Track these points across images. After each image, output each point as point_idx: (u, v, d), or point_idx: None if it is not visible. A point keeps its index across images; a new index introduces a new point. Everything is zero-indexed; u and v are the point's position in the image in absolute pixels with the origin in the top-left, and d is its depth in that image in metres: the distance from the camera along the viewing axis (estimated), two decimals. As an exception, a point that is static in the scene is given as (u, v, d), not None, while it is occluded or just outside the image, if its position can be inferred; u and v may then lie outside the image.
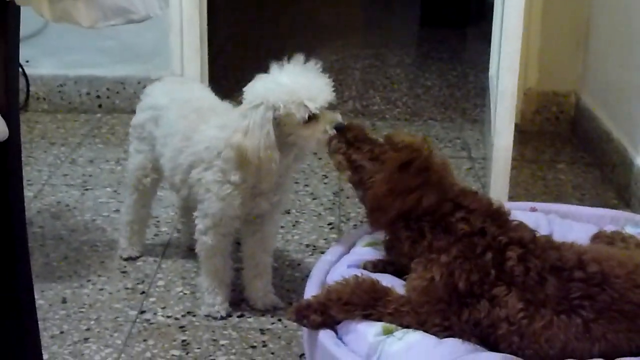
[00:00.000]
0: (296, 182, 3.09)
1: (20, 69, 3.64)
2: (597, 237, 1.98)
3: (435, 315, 1.68)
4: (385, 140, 1.90)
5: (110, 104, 3.84)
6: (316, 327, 1.74)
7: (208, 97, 2.35)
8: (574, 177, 3.27)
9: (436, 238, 1.73)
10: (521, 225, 1.75)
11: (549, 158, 3.47)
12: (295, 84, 2.01)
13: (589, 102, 3.59)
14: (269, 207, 2.20)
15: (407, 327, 1.69)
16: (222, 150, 2.10)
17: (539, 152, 3.53)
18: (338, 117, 2.03)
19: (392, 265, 1.93)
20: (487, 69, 3.81)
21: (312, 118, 2.01)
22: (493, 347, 1.66)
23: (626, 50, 3.21)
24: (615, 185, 3.13)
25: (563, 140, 3.66)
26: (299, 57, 2.06)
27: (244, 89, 2.09)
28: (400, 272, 1.87)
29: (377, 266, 1.95)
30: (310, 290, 1.87)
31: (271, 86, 2.03)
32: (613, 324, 1.58)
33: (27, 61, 3.72)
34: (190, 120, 2.22)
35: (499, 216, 1.75)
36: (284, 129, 2.04)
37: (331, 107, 2.06)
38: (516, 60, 2.65)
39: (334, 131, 1.99)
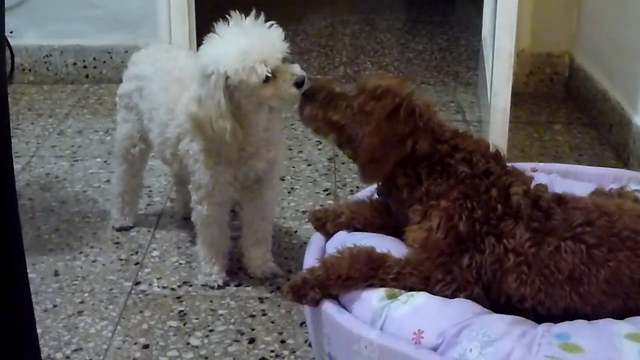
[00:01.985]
0: (290, 149, 3.04)
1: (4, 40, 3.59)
2: (595, 194, 1.95)
3: (438, 271, 1.63)
4: (358, 89, 1.76)
5: (97, 74, 3.77)
6: (316, 303, 1.68)
7: (191, 64, 2.26)
8: (571, 137, 3.22)
9: (435, 183, 1.68)
10: (518, 170, 1.73)
11: (544, 119, 3.42)
12: (245, 45, 1.91)
13: (583, 62, 3.54)
14: (267, 166, 2.13)
15: (412, 289, 1.64)
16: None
17: (534, 114, 3.47)
18: (297, 70, 1.94)
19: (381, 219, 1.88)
20: (477, 32, 3.75)
21: (270, 77, 1.93)
22: (498, 288, 1.63)
23: (619, 7, 3.15)
24: (613, 144, 3.09)
25: (558, 102, 3.61)
26: (248, 14, 1.97)
27: (196, 53, 2.00)
28: (389, 227, 1.83)
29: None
30: (310, 258, 1.80)
31: (220, 52, 1.93)
32: (613, 252, 1.59)
33: (12, 32, 3.64)
34: (172, 92, 2.16)
35: (499, 159, 1.71)
36: (242, 93, 1.96)
37: (290, 59, 1.98)
38: (513, 19, 2.61)
39: (295, 89, 1.90)
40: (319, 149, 3.07)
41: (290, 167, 2.91)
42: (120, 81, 2.39)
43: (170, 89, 2.17)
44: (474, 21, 4.13)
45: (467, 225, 1.62)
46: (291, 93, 1.92)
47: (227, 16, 1.99)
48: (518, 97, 3.52)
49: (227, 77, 1.93)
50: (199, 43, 3.56)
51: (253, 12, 1.97)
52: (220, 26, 1.98)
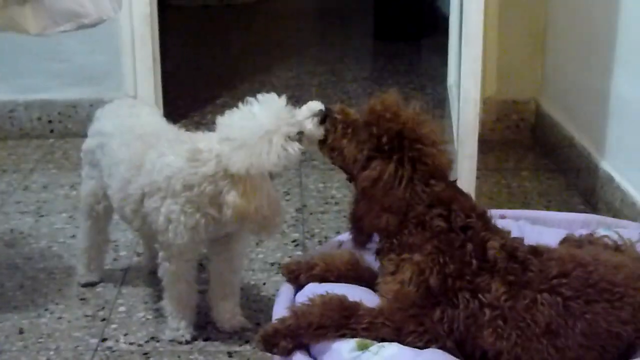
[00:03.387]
0: (258, 200, 3.02)
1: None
2: (565, 241, 1.95)
3: (410, 322, 1.63)
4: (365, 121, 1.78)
5: (62, 129, 3.75)
6: (287, 353, 1.66)
7: (154, 121, 2.26)
8: (539, 184, 3.24)
9: (409, 234, 1.68)
10: (499, 227, 1.73)
11: (512, 166, 3.44)
12: (266, 135, 1.92)
13: (549, 109, 3.57)
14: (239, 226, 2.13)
15: (383, 339, 1.63)
16: (194, 184, 2.02)
17: (501, 161, 3.49)
18: (311, 109, 1.94)
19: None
20: (443, 80, 3.78)
21: (299, 134, 1.94)
22: (472, 343, 1.62)
23: (584, 54, 3.19)
24: (581, 190, 3.10)
25: (525, 148, 3.64)
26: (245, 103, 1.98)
27: (223, 157, 1.97)
28: (363, 280, 1.84)
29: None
30: (279, 310, 1.79)
31: (250, 153, 1.92)
32: (590, 304, 1.60)
33: (-25, 88, 3.63)
34: (134, 148, 2.15)
35: (483, 216, 1.71)
36: (283, 169, 2.00)
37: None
38: (478, 66, 2.63)
39: (322, 125, 1.88)
40: (287, 200, 3.06)
41: (258, 219, 2.89)
42: (86, 136, 2.38)
43: (132, 145, 2.16)
44: (439, 69, 4.16)
45: (438, 280, 1.62)
46: (321, 132, 1.88)
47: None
48: (485, 145, 3.53)
49: (269, 171, 1.96)
50: (165, 97, 3.60)
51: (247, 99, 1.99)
52: (223, 124, 1.99)
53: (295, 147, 1.93)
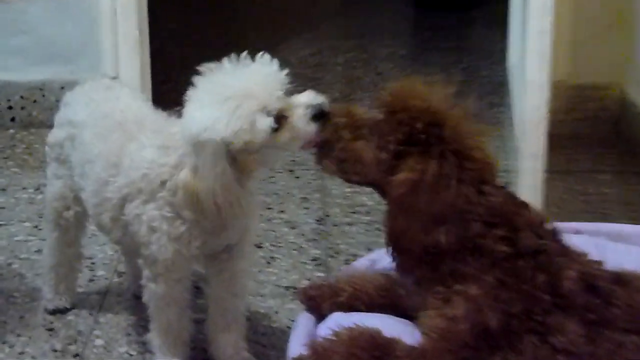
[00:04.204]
0: (269, 208, 3.04)
1: None
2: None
3: None
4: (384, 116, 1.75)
5: (25, 116, 3.78)
6: None
7: (136, 106, 2.26)
8: (622, 190, 3.24)
9: (463, 262, 1.66)
10: (574, 250, 1.71)
11: (588, 168, 3.44)
12: (235, 98, 1.89)
13: (636, 96, 3.55)
14: (238, 236, 2.13)
15: (424, 386, 1.62)
16: (167, 179, 2.02)
17: (574, 161, 3.49)
18: (308, 99, 1.92)
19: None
20: (502, 60, 3.78)
21: (280, 118, 1.92)
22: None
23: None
24: (676, 198, 3.10)
25: (605, 145, 3.64)
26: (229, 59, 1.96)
27: (182, 118, 1.98)
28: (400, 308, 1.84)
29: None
30: (295, 346, 1.79)
31: (211, 114, 1.90)
32: None
33: None
34: (112, 141, 2.15)
35: (556, 236, 1.69)
36: (249, 153, 1.95)
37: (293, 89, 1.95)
38: (546, 42, 2.63)
39: (314, 124, 1.87)
40: (305, 208, 3.07)
41: (269, 231, 2.90)
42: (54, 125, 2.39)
43: (109, 138, 2.16)
44: (497, 47, 4.15)
45: (501, 322, 1.60)
46: (310, 131, 1.90)
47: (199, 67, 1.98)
48: (554, 140, 3.53)
49: (227, 144, 1.91)
50: (153, 79, 3.60)
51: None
52: (198, 79, 1.97)
53: (266, 123, 1.89)
